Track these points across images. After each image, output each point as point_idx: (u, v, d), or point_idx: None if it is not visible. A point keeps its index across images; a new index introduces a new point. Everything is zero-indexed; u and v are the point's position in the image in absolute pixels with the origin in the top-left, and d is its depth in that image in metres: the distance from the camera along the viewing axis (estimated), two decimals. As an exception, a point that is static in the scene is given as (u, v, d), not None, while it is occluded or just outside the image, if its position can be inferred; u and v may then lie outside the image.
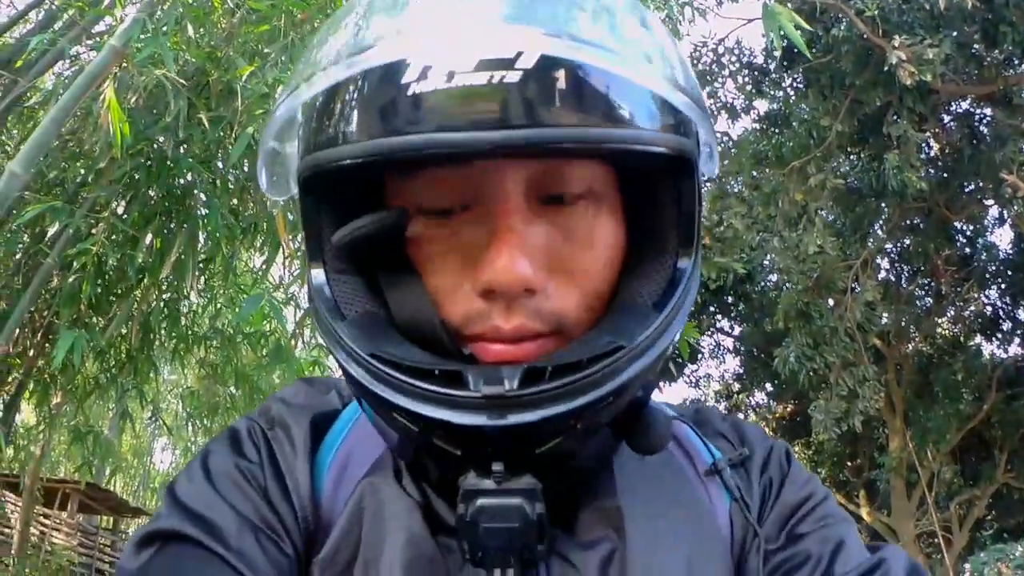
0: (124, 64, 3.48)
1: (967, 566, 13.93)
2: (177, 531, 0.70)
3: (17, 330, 5.05)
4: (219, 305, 6.04)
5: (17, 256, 4.90)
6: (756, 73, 13.74)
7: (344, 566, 0.72)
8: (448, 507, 0.73)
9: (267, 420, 0.82)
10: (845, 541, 0.75)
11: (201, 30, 4.26)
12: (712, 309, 14.39)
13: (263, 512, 0.73)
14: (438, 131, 0.60)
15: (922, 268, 15.25)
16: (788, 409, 15.13)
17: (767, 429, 15.72)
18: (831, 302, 11.58)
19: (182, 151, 4.28)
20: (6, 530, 14.89)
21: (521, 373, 0.62)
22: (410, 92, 0.60)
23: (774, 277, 11.89)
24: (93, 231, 4.31)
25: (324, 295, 0.72)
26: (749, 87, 13.87)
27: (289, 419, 0.81)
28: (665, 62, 0.66)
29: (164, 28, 3.57)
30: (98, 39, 4.89)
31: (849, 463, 16.83)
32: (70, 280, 4.41)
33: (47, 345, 4.91)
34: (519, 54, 0.59)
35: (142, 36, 3.45)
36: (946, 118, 13.34)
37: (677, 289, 0.70)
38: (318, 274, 0.73)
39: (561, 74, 0.60)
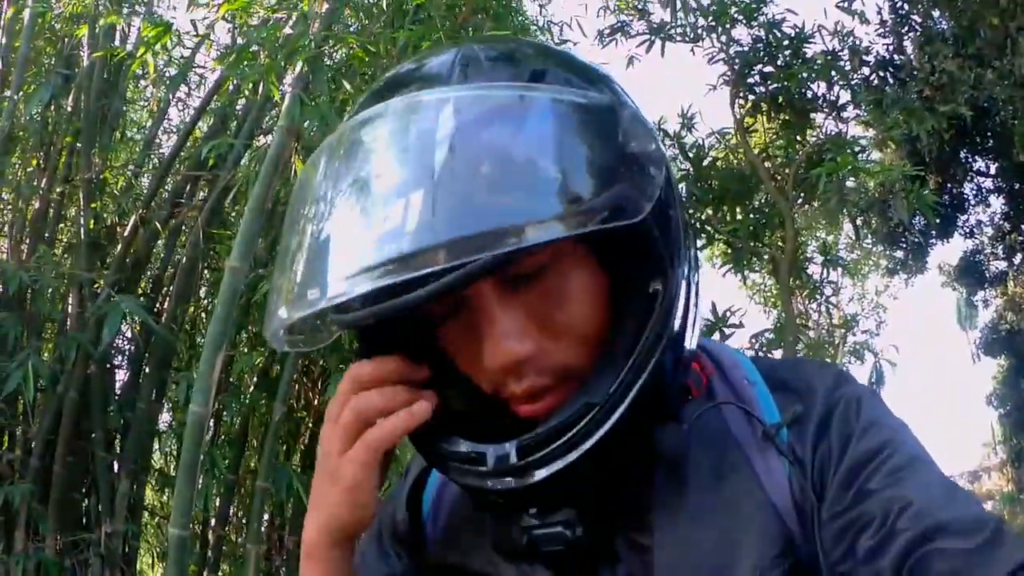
0: (297, 141, 3.73)
1: None
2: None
3: (297, 387, 5.65)
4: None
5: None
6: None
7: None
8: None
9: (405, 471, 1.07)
10: (913, 501, 0.74)
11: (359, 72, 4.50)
12: (962, 155, 13.30)
13: (386, 535, 1.03)
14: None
15: None
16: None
17: None
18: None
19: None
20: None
21: (516, 448, 0.77)
22: None
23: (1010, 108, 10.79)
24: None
25: None
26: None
27: (412, 467, 1.05)
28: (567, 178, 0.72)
29: (320, 95, 3.81)
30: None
31: None
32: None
33: (325, 393, 5.35)
34: None
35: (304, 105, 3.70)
36: None
37: (649, 320, 0.78)
38: None
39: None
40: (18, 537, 4.86)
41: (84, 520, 5.32)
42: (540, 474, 0.76)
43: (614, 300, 0.82)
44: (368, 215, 0.72)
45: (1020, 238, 15.08)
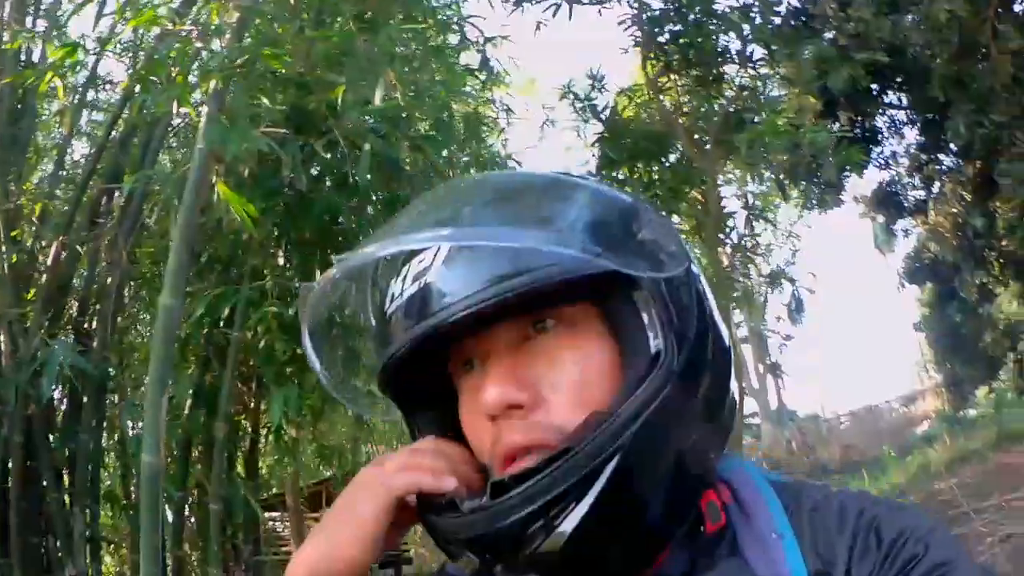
0: (219, 163, 3.66)
1: None
2: None
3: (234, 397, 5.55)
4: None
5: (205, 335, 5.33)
6: None
7: None
8: None
9: None
10: None
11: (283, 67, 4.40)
12: (874, 90, 13.51)
13: None
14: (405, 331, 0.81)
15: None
16: (978, 166, 14.06)
17: (963, 194, 14.29)
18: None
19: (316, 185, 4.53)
20: (283, 548, 16.13)
21: (490, 488, 0.76)
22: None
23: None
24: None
25: None
26: None
27: None
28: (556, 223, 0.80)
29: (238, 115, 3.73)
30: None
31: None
32: (260, 344, 4.79)
33: (263, 403, 5.32)
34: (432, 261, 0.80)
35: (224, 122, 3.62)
36: None
37: (643, 384, 0.77)
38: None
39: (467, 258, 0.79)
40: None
41: (46, 563, 5.20)
42: (511, 518, 0.74)
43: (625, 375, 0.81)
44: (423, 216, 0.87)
45: (938, 168, 15.46)
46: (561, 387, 0.80)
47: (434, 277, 0.79)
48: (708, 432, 0.84)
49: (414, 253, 0.82)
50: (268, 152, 3.83)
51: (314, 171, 4.57)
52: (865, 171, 13.70)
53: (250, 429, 6.00)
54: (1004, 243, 15.55)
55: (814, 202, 13.38)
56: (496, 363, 0.81)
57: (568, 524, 0.73)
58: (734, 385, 0.91)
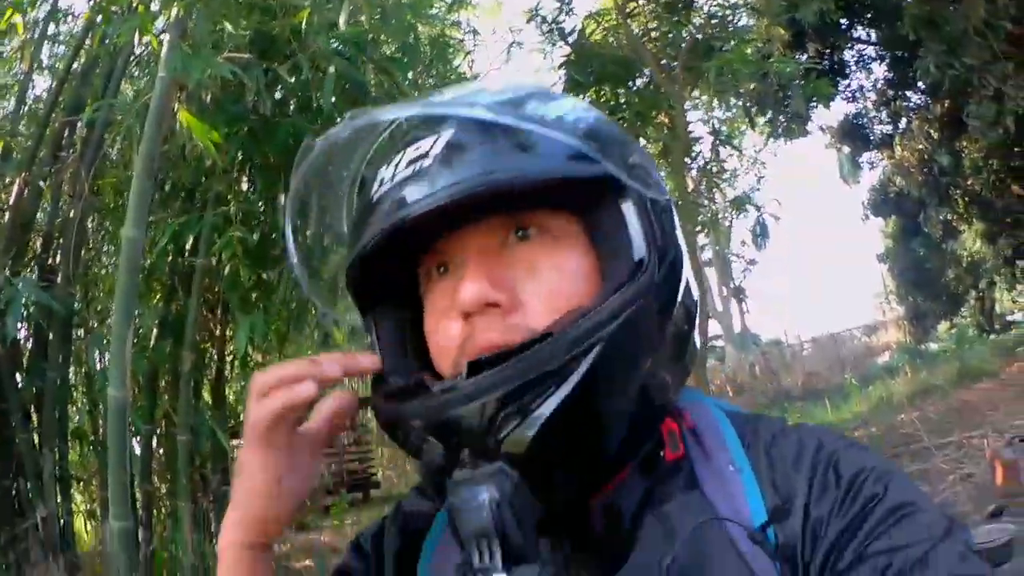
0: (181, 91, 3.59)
1: None
2: None
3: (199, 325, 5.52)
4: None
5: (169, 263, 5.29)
6: None
7: None
8: None
9: (385, 527, 0.99)
10: (892, 562, 0.70)
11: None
12: (843, 24, 13.50)
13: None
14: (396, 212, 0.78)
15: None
16: (947, 106, 14.12)
17: (930, 132, 14.36)
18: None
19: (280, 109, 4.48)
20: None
21: (467, 367, 0.75)
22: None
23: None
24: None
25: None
26: None
27: (393, 527, 0.98)
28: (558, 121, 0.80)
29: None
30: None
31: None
32: (226, 270, 4.80)
33: (228, 330, 5.31)
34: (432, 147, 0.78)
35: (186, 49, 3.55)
36: None
37: (623, 287, 0.77)
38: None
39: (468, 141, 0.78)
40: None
41: (17, 505, 5.13)
42: (486, 397, 0.72)
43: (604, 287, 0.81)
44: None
45: (906, 104, 15.52)
46: (539, 293, 0.79)
47: (430, 163, 0.77)
48: (673, 366, 0.84)
49: (412, 140, 0.81)
50: (232, 78, 3.76)
51: (278, 95, 4.52)
52: (832, 103, 13.73)
53: (216, 358, 5.94)
54: (969, 182, 15.72)
55: (780, 131, 13.41)
56: (474, 265, 0.80)
57: (543, 410, 0.72)
58: (697, 337, 0.90)
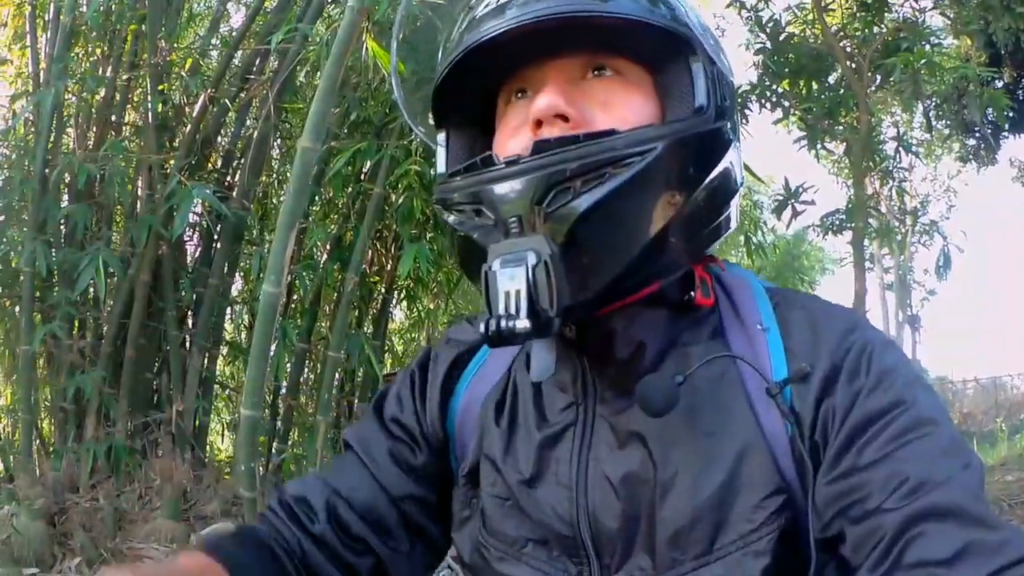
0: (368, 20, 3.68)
1: None
2: (347, 442, 1.09)
3: (371, 253, 5.75)
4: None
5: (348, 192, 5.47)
6: None
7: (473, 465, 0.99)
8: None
9: (432, 354, 1.10)
10: (909, 476, 0.73)
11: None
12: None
13: (405, 425, 1.05)
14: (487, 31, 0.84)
15: None
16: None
17: None
18: None
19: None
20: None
21: (532, 145, 0.81)
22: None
23: None
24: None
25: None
26: None
27: (442, 355, 1.08)
28: None
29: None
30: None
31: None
32: (400, 200, 4.91)
33: (398, 265, 5.40)
34: None
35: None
36: None
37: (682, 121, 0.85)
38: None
39: None
40: (89, 424, 4.93)
41: (156, 400, 5.39)
42: (549, 169, 0.79)
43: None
44: None
45: (1101, 141, 14.57)
46: (607, 123, 0.84)
47: None
48: (706, 217, 0.88)
49: None
50: (419, 15, 3.82)
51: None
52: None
53: (383, 291, 6.14)
54: None
55: (970, 155, 12.83)
56: (553, 84, 0.86)
57: (596, 193, 0.77)
58: (734, 214, 0.93)
